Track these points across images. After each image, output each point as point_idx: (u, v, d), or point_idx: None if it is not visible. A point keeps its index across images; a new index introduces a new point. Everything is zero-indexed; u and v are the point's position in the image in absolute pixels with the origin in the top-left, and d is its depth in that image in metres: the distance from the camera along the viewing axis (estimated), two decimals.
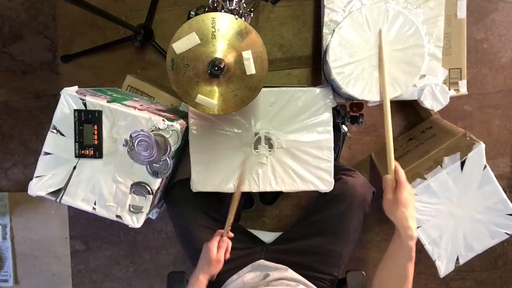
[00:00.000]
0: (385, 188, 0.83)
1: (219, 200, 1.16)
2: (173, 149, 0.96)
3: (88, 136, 0.97)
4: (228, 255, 0.97)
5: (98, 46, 1.50)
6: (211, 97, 0.83)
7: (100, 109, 0.96)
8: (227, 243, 0.97)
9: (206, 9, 0.93)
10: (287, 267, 1.05)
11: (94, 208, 1.01)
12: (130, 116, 0.96)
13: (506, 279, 1.62)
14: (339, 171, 1.10)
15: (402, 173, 0.83)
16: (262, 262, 1.08)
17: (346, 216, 1.03)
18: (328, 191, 1.04)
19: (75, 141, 0.98)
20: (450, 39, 1.04)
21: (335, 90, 1.05)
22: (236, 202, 0.97)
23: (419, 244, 1.20)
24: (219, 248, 0.94)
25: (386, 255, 0.88)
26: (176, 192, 1.11)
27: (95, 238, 1.66)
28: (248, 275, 1.04)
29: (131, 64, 1.53)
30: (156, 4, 1.48)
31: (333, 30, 0.98)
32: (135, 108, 0.98)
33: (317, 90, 1.03)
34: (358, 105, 1.37)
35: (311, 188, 1.04)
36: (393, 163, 0.84)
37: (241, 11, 0.94)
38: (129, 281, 1.68)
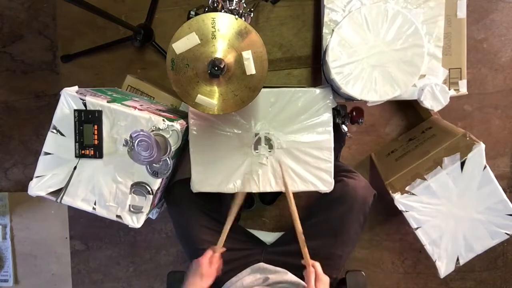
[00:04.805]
0: (308, 282, 0.89)
1: (219, 200, 1.16)
2: (173, 149, 0.96)
3: (88, 136, 0.97)
4: (220, 266, 0.96)
5: (98, 46, 1.50)
6: (211, 97, 0.83)
7: (100, 109, 0.96)
8: (220, 261, 0.96)
9: (206, 9, 0.93)
10: (286, 271, 1.04)
11: (94, 208, 1.01)
12: (130, 116, 0.96)
13: (506, 279, 1.62)
14: (340, 172, 1.10)
15: (318, 266, 0.92)
16: (262, 265, 1.07)
17: (347, 218, 1.02)
18: (328, 191, 1.04)
19: (75, 141, 0.98)
20: (450, 39, 1.04)
21: (335, 90, 1.05)
22: (233, 215, 0.98)
23: (419, 244, 1.20)
24: (211, 264, 0.93)
25: None
26: (176, 192, 1.11)
27: (95, 238, 1.66)
28: (247, 278, 1.04)
29: (131, 64, 1.53)
30: (156, 4, 1.48)
31: (333, 30, 0.98)
32: (135, 108, 0.98)
33: (317, 90, 1.03)
34: (358, 111, 1.35)
35: (311, 188, 1.04)
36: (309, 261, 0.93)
37: (241, 11, 0.94)
38: (129, 281, 1.68)
